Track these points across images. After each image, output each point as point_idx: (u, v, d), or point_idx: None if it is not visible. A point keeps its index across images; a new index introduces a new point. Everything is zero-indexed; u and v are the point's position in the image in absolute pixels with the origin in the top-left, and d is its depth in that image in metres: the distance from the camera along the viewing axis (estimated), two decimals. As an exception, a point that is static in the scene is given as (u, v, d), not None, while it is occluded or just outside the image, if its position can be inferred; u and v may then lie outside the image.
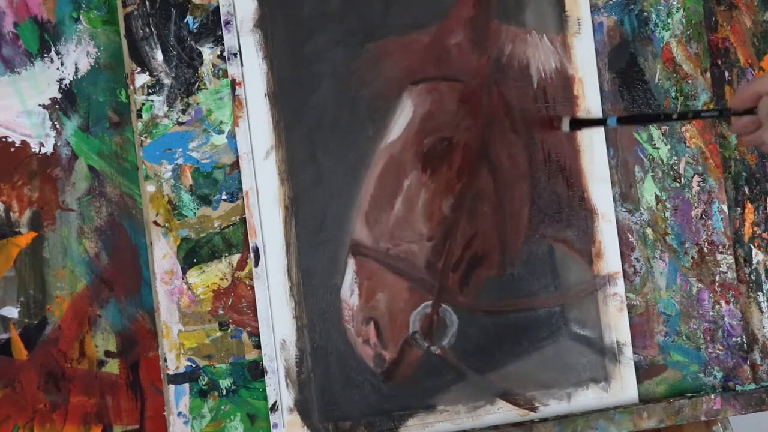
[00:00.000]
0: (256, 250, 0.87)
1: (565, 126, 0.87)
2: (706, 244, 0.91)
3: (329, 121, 0.88)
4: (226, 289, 0.88)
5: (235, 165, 0.88)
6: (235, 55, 0.88)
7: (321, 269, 0.88)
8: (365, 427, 0.88)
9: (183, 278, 0.88)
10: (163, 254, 0.88)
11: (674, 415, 0.88)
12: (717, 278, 0.91)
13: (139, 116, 0.88)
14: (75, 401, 0.89)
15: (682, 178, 0.91)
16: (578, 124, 0.88)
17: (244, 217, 0.88)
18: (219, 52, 0.88)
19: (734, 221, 0.93)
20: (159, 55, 0.88)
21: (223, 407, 0.88)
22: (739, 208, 0.93)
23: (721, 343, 0.91)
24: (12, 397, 0.89)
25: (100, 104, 0.90)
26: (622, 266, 0.90)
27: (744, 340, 0.91)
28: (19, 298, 0.89)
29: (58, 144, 0.90)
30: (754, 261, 0.93)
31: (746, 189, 0.93)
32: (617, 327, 0.89)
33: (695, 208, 0.91)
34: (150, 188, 0.88)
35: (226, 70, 0.88)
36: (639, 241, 0.90)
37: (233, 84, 0.88)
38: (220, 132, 0.88)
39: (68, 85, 0.90)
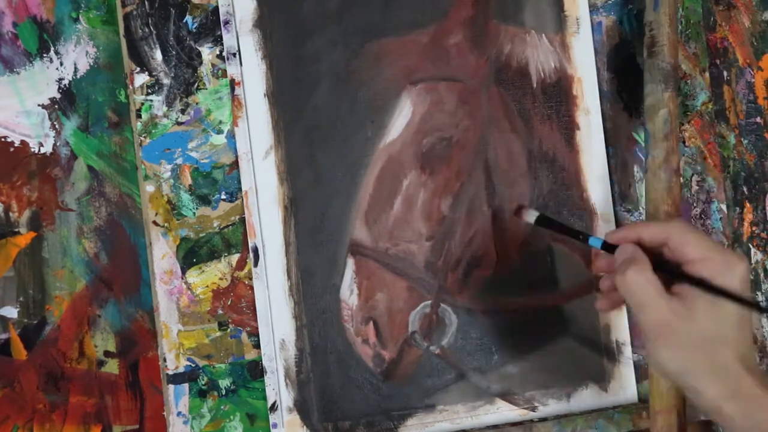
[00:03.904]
0: (256, 250, 0.87)
1: (530, 217, 0.84)
2: (705, 243, 0.91)
3: (328, 121, 0.88)
4: (226, 289, 0.88)
5: (234, 165, 0.88)
6: (234, 55, 0.88)
7: (320, 269, 0.88)
8: (364, 427, 0.88)
9: (182, 278, 0.88)
10: (162, 254, 0.88)
11: (673, 415, 0.88)
12: (716, 278, 0.91)
13: (139, 116, 0.88)
14: (74, 401, 0.89)
15: (681, 178, 0.91)
16: (545, 222, 0.83)
17: (244, 217, 0.88)
18: (218, 52, 0.88)
19: (733, 221, 0.93)
20: (158, 55, 0.88)
21: (222, 407, 0.88)
22: (737, 208, 0.93)
23: (720, 342, 0.91)
24: (11, 397, 0.89)
25: (99, 104, 0.90)
26: (621, 266, 0.90)
27: (743, 339, 0.91)
28: (19, 298, 0.89)
29: (58, 144, 0.90)
30: (753, 260, 0.93)
31: (745, 189, 0.93)
32: (616, 327, 0.89)
33: (694, 207, 0.91)
34: (149, 188, 0.88)
35: (225, 70, 0.88)
36: (638, 240, 0.90)
37: (232, 84, 0.88)
38: (220, 132, 0.88)
39: (67, 85, 0.90)
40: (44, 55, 0.89)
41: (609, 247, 0.76)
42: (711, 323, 0.68)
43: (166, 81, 0.88)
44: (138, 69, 0.88)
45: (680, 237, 0.71)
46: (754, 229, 0.93)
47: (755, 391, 0.67)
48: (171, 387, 0.88)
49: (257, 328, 0.88)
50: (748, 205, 0.93)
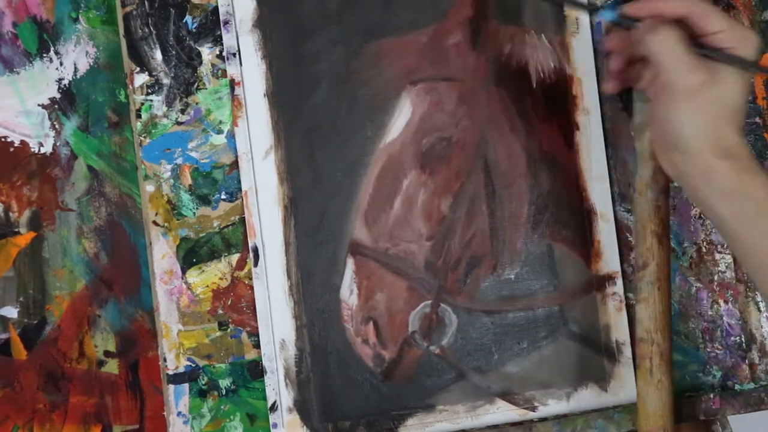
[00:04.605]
0: (256, 250, 0.87)
1: None
2: (704, 243, 0.91)
3: (328, 121, 0.88)
4: (226, 288, 0.88)
5: (234, 165, 0.88)
6: (234, 54, 0.88)
7: (320, 269, 0.88)
8: (364, 427, 0.88)
9: (182, 278, 0.88)
10: (162, 254, 0.88)
11: (673, 414, 0.88)
12: (716, 278, 0.91)
13: (138, 116, 0.88)
14: (74, 401, 0.89)
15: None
16: None
17: (243, 217, 0.88)
18: (218, 52, 0.88)
19: (732, 221, 0.92)
20: (158, 55, 0.88)
21: (222, 407, 0.88)
22: (737, 208, 0.93)
23: (719, 342, 0.91)
24: (11, 397, 0.89)
25: (99, 104, 0.90)
26: (621, 266, 0.90)
27: (742, 339, 0.91)
28: (19, 298, 0.89)
29: (58, 144, 0.90)
30: (753, 260, 0.93)
31: (744, 188, 0.93)
32: (616, 326, 0.89)
33: (694, 207, 0.91)
34: (149, 188, 0.88)
35: (225, 70, 0.88)
36: (638, 240, 0.90)
37: (232, 84, 0.88)
38: (219, 132, 0.88)
39: (67, 85, 0.90)
40: (44, 55, 0.89)
41: (623, 22, 0.76)
42: (734, 92, 0.72)
43: (165, 81, 0.88)
44: (138, 69, 0.88)
45: (701, 10, 0.73)
46: (753, 228, 0.93)
47: (745, 153, 0.72)
48: (171, 387, 0.88)
49: (257, 327, 0.88)
50: (747, 204, 0.93)
